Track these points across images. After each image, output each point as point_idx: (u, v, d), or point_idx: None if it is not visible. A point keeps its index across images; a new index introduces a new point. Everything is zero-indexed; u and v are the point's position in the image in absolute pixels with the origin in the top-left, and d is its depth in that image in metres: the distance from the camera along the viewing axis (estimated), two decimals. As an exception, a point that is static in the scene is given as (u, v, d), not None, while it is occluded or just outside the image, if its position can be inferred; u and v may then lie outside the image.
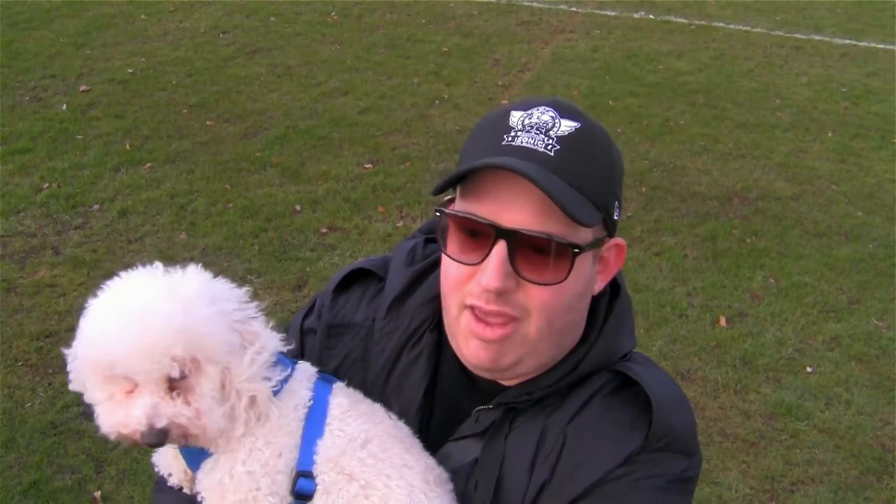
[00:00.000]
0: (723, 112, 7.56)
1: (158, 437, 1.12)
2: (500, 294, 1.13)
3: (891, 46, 9.63)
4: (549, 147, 1.13)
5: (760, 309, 4.80)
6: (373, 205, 5.63)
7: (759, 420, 3.99)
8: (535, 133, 1.14)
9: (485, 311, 1.15)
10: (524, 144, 1.13)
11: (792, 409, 4.04)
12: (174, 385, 1.14)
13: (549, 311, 1.16)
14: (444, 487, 1.23)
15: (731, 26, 10.14)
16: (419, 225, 6.00)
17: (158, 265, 1.20)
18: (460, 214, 1.16)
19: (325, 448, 1.22)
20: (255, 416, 1.20)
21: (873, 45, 9.73)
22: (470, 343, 1.19)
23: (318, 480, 1.21)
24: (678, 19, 10.33)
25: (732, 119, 7.42)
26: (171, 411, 1.12)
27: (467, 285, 1.17)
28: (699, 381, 4.19)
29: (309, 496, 1.21)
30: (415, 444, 1.27)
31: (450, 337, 1.26)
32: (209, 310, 1.16)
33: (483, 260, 1.14)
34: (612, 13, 10.45)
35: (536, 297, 1.15)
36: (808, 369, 4.34)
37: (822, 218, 5.84)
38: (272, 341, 1.23)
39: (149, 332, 1.10)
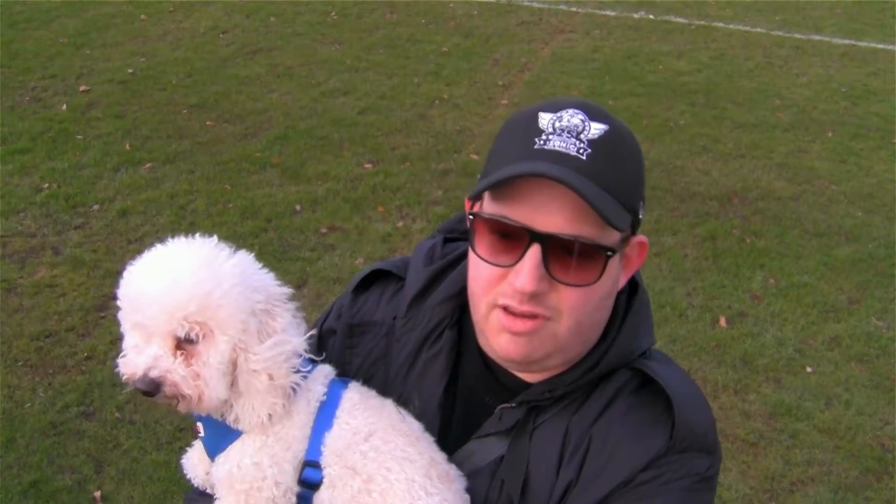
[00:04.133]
0: (723, 112, 7.56)
1: (149, 387, 1.17)
2: (533, 296, 1.14)
3: (891, 46, 9.63)
4: (582, 151, 1.13)
5: (760, 309, 4.80)
6: (373, 205, 5.64)
7: (759, 420, 3.99)
8: (567, 136, 1.14)
9: (519, 311, 1.16)
10: (557, 148, 1.13)
11: (792, 410, 4.04)
12: (181, 346, 1.18)
13: (579, 311, 1.17)
14: (450, 484, 1.23)
15: (731, 26, 10.14)
16: (419, 225, 5.96)
17: (215, 238, 1.25)
18: (495, 218, 1.16)
19: (333, 440, 1.24)
20: (283, 401, 1.23)
21: (873, 45, 9.73)
22: (500, 337, 1.20)
23: (324, 473, 1.23)
24: (678, 19, 10.33)
25: (732, 119, 7.42)
26: (168, 366, 1.17)
27: (499, 286, 1.18)
28: (699, 381, 4.18)
29: (315, 485, 1.24)
30: (423, 439, 1.27)
31: (478, 333, 1.27)
32: (234, 287, 1.20)
33: (516, 262, 1.14)
34: (612, 13, 10.46)
35: (568, 299, 1.16)
36: (808, 369, 4.34)
37: (822, 218, 5.84)
38: (296, 339, 1.26)
39: (169, 285, 1.16)
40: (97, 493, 3.38)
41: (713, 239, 5.47)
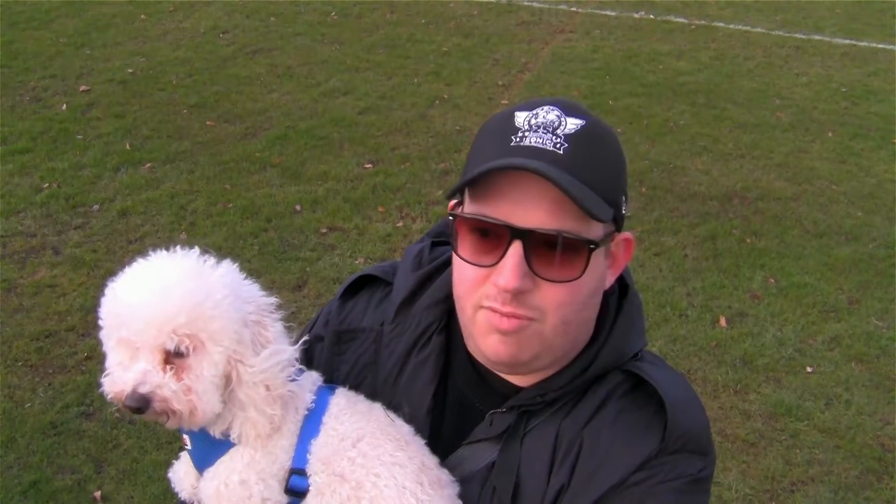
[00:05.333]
0: (723, 112, 7.56)
1: (139, 403, 1.13)
2: (517, 294, 1.13)
3: (891, 46, 9.63)
4: (558, 145, 1.13)
5: (760, 309, 4.80)
6: (373, 205, 5.63)
7: (759, 420, 3.99)
8: (543, 132, 1.14)
9: (502, 312, 1.15)
10: (533, 144, 1.13)
11: (792, 409, 4.04)
12: (171, 360, 1.15)
13: (564, 309, 1.16)
14: (441, 490, 1.21)
15: (731, 26, 10.14)
16: (419, 225, 5.94)
17: (196, 249, 1.22)
18: (474, 217, 1.15)
19: (319, 447, 1.22)
20: (280, 412, 1.21)
21: (873, 45, 9.73)
22: (488, 339, 1.18)
23: (311, 481, 1.21)
24: (678, 19, 10.32)
25: (732, 119, 7.42)
26: (158, 381, 1.13)
27: (482, 287, 1.16)
28: (699, 381, 4.19)
29: (301, 493, 1.22)
30: (413, 443, 1.25)
31: (466, 337, 1.25)
32: (225, 298, 1.17)
33: (498, 261, 1.13)
34: (612, 13, 10.45)
35: (552, 297, 1.14)
36: (808, 369, 4.34)
37: (822, 218, 5.84)
38: (288, 348, 1.24)
39: (157, 297, 1.13)
40: (97, 493, 3.38)
41: (713, 239, 5.47)
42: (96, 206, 5.45)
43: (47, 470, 3.47)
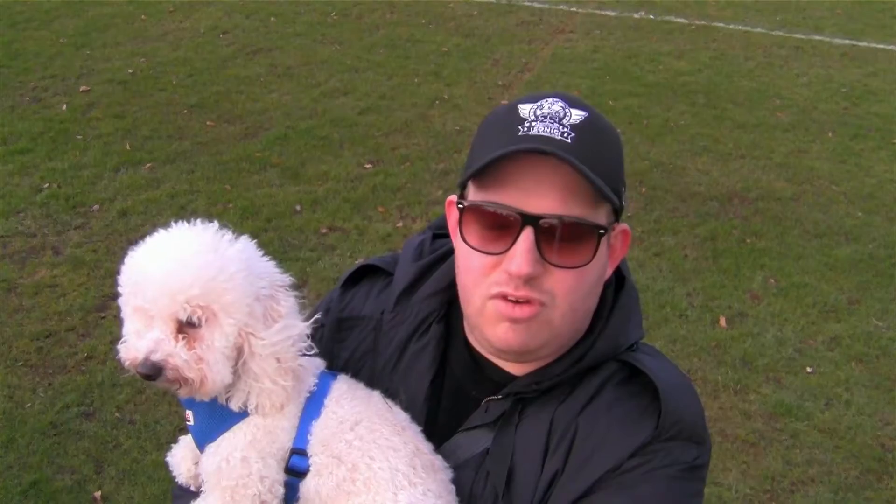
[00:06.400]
0: (723, 112, 7.56)
1: (151, 370, 1.16)
2: (529, 280, 1.15)
3: (891, 46, 9.63)
4: (566, 135, 1.15)
5: (760, 309, 4.80)
6: (373, 205, 5.64)
7: (759, 420, 3.99)
8: (550, 122, 1.16)
9: (514, 297, 1.16)
10: (541, 133, 1.15)
11: (792, 410, 4.04)
12: (184, 330, 1.18)
13: (573, 295, 1.18)
14: (434, 475, 1.24)
15: (731, 26, 10.14)
16: (419, 225, 5.93)
17: (216, 224, 1.25)
18: (485, 205, 1.16)
19: (319, 429, 1.25)
20: (292, 383, 1.24)
21: (873, 45, 9.73)
22: (498, 327, 1.20)
23: (311, 461, 1.24)
24: (678, 19, 10.33)
25: (732, 119, 7.42)
26: (170, 349, 1.16)
27: (492, 275, 1.18)
28: (699, 382, 4.19)
29: (302, 473, 1.24)
30: (409, 429, 1.28)
31: (471, 328, 1.27)
32: (239, 272, 1.20)
33: (509, 248, 1.15)
34: (612, 13, 10.46)
35: (562, 282, 1.16)
36: (808, 369, 4.34)
37: (822, 218, 5.84)
38: (299, 324, 1.27)
39: (173, 267, 1.16)
40: (97, 494, 3.38)
41: (713, 239, 5.47)
42: (96, 207, 5.45)
43: (47, 470, 3.47)
